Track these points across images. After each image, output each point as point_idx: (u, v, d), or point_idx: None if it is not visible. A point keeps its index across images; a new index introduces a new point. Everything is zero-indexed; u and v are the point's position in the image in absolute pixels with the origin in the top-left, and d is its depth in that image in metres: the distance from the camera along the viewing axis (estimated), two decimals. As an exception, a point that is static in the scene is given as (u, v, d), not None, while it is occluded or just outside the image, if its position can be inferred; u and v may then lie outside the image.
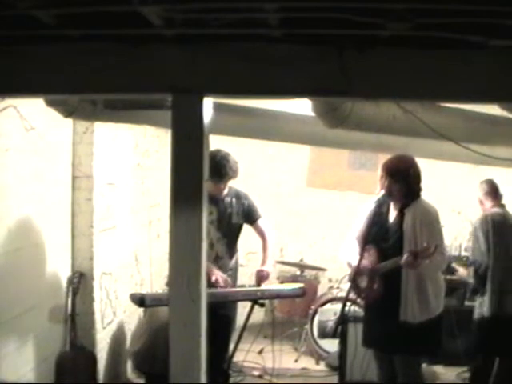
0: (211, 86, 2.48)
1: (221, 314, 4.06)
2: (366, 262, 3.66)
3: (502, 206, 4.43)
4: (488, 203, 4.42)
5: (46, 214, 3.89)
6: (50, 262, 3.98)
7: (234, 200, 4.45)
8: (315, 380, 5.19)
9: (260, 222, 4.53)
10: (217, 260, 4.35)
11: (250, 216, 4.50)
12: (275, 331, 5.27)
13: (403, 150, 3.92)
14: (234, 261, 4.57)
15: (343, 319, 3.97)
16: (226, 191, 4.42)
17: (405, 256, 3.43)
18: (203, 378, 2.35)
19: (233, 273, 4.55)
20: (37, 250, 3.79)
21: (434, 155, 4.72)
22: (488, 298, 4.20)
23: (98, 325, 4.41)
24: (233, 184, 4.55)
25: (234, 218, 4.46)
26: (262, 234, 4.54)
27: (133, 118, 4.03)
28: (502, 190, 4.47)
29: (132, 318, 5.14)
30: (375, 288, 3.65)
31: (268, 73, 2.43)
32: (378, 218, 3.72)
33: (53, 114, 3.62)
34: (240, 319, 4.31)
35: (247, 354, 5.16)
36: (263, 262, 4.46)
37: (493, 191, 4.43)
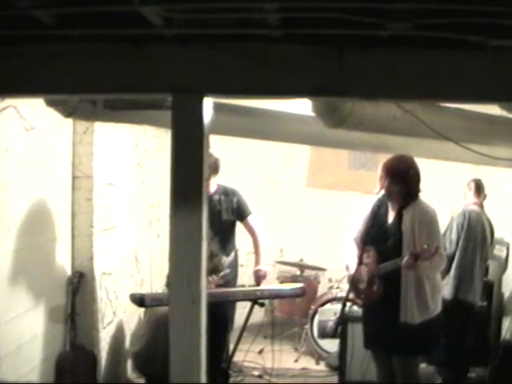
0: (211, 85, 2.48)
1: (218, 313, 4.06)
2: (363, 269, 3.66)
3: (481, 206, 4.86)
4: (470, 199, 4.87)
5: (46, 214, 3.89)
6: (49, 262, 3.98)
7: (222, 197, 4.46)
8: (315, 380, 5.19)
9: (250, 220, 4.52)
10: (211, 258, 4.34)
11: (240, 213, 4.50)
12: (275, 331, 5.28)
13: (403, 150, 3.92)
14: (231, 258, 4.56)
15: (343, 319, 3.97)
16: (213, 189, 4.43)
17: (405, 258, 3.42)
18: (203, 378, 2.35)
19: (232, 270, 4.54)
20: (37, 250, 3.79)
21: (434, 155, 4.72)
22: (450, 283, 4.61)
23: (98, 325, 4.41)
24: (228, 184, 4.56)
25: (224, 215, 4.46)
26: (251, 231, 4.53)
27: (133, 118, 4.03)
28: (486, 191, 4.94)
29: (132, 318, 5.14)
30: (375, 289, 3.65)
31: (268, 73, 2.43)
32: (376, 219, 3.72)
33: (53, 114, 3.62)
34: (240, 319, 4.30)
35: (247, 354, 5.16)
36: (257, 262, 4.47)
37: (477, 190, 4.88)
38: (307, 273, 6.16)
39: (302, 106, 3.75)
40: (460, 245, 4.64)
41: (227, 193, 4.50)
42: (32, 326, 3.73)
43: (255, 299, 3.98)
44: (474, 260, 4.66)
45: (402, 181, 3.59)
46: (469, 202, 4.87)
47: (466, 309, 4.67)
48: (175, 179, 2.45)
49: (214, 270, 4.30)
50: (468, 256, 4.65)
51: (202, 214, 2.43)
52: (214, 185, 4.45)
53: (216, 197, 4.44)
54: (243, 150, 6.21)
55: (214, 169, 4.36)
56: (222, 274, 4.41)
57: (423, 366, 4.41)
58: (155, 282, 5.56)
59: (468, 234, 4.65)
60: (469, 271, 4.64)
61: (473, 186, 4.90)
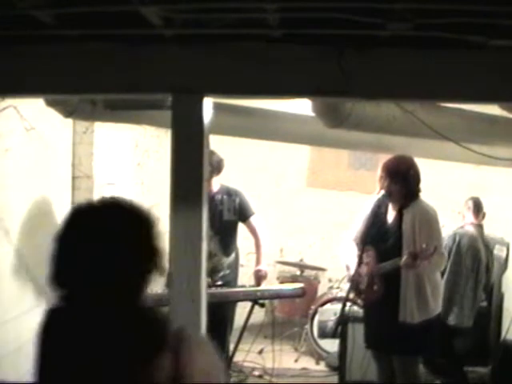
0: (211, 86, 2.48)
1: (217, 313, 4.06)
2: (363, 268, 3.66)
3: (480, 226, 4.69)
4: (468, 219, 4.70)
5: (46, 214, 3.88)
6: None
7: (224, 197, 4.46)
8: (315, 380, 5.18)
9: (252, 220, 4.51)
10: (210, 258, 4.33)
11: (242, 213, 4.49)
12: (275, 331, 5.27)
13: (403, 150, 3.92)
14: (231, 258, 4.55)
15: (343, 319, 3.97)
16: (216, 189, 4.42)
17: (404, 257, 3.42)
18: (203, 378, 2.35)
19: (232, 271, 4.53)
20: (37, 250, 3.79)
21: (434, 155, 4.71)
22: None
23: (98, 325, 4.40)
24: (229, 184, 4.56)
25: (226, 215, 4.45)
26: (253, 231, 4.52)
27: (133, 118, 4.03)
28: (484, 209, 4.74)
29: (132, 318, 5.13)
30: (375, 289, 3.65)
31: (268, 73, 2.43)
32: (376, 219, 3.71)
33: (53, 114, 3.62)
34: (240, 319, 4.30)
35: (247, 354, 5.16)
36: (258, 262, 4.47)
37: (475, 209, 4.69)
38: (307, 273, 6.15)
39: (301, 106, 3.75)
40: (448, 268, 4.43)
41: (230, 193, 4.49)
42: (32, 326, 3.71)
43: (256, 299, 3.98)
44: (464, 285, 4.51)
45: (402, 181, 3.58)
46: (467, 221, 4.70)
47: (452, 331, 4.52)
48: (175, 179, 2.46)
49: (212, 269, 4.29)
50: (458, 281, 4.48)
51: (202, 213, 2.44)
52: (217, 184, 4.45)
53: (218, 196, 4.44)
54: (243, 149, 6.21)
55: (217, 168, 4.35)
56: (221, 274, 4.40)
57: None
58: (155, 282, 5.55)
59: (457, 259, 4.48)
60: (459, 296, 4.49)
61: (471, 204, 4.71)
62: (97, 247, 1.39)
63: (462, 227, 4.72)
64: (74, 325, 1.41)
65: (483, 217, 4.76)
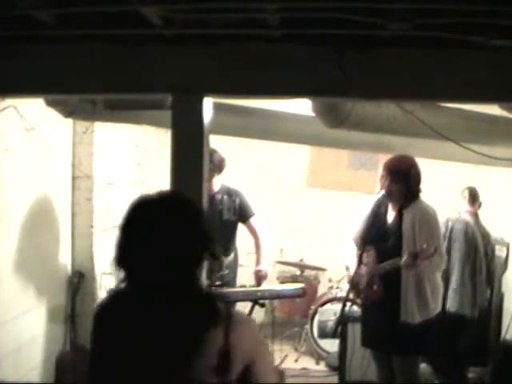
0: (211, 86, 2.49)
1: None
2: (363, 268, 3.66)
3: (476, 214, 4.71)
4: (463, 207, 4.72)
5: (46, 214, 3.88)
6: (50, 262, 3.98)
7: (225, 197, 4.45)
8: (315, 380, 5.18)
9: (252, 221, 4.51)
10: None
11: (242, 214, 4.49)
12: (275, 331, 5.27)
13: (403, 150, 3.92)
14: (230, 258, 4.54)
15: (343, 319, 3.97)
16: (217, 188, 4.42)
17: (404, 257, 3.42)
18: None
19: (231, 271, 4.53)
20: (37, 250, 3.79)
21: (434, 155, 4.71)
22: None
23: (98, 325, 4.40)
24: (229, 184, 4.56)
25: (226, 215, 4.44)
26: (253, 232, 4.52)
27: (133, 118, 4.03)
28: (481, 199, 4.76)
29: (132, 318, 5.13)
30: (374, 289, 3.65)
31: (268, 73, 2.44)
32: (376, 219, 3.71)
33: (53, 114, 3.62)
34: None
35: (247, 354, 5.15)
36: (258, 262, 4.46)
37: (471, 198, 4.72)
38: (307, 273, 6.15)
39: (302, 106, 3.75)
40: None
41: (230, 193, 4.49)
42: (32, 326, 3.72)
43: (256, 299, 3.97)
44: (461, 271, 4.49)
45: (403, 180, 3.58)
46: (461, 209, 4.73)
47: (454, 320, 4.46)
48: (175, 179, 2.46)
49: (211, 269, 4.28)
50: (452, 266, 4.47)
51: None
52: (217, 184, 4.44)
53: (218, 196, 4.44)
54: (243, 149, 6.21)
55: (219, 167, 4.35)
56: (219, 274, 4.40)
57: (423, 365, 4.41)
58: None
59: (449, 245, 4.46)
60: (455, 282, 4.47)
61: (467, 194, 4.74)
62: (156, 234, 1.54)
63: (458, 214, 4.73)
64: (137, 301, 1.56)
65: (479, 206, 4.78)
